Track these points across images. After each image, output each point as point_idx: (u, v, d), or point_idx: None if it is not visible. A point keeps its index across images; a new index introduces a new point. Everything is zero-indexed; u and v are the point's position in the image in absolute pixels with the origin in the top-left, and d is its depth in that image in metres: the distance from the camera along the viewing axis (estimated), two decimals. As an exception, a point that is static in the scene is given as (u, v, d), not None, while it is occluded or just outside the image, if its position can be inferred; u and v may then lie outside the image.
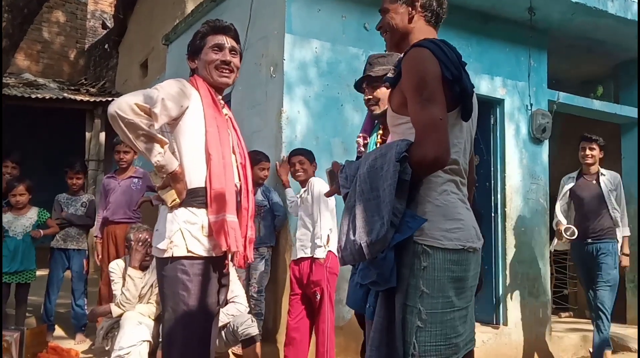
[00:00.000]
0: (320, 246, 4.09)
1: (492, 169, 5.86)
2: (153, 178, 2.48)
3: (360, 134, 3.21)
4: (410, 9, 2.02)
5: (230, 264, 4.27)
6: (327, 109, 4.87)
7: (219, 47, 2.53)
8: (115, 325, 4.05)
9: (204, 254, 2.36)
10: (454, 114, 1.89)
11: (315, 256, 4.10)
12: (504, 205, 5.76)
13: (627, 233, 5.37)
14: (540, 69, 6.12)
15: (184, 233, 2.34)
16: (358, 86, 3.25)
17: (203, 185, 2.39)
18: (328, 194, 2.20)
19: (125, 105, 2.22)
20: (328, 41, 4.95)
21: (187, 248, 2.33)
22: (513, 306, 5.66)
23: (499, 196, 5.80)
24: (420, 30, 2.02)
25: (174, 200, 2.36)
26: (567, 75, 7.10)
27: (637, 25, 6.10)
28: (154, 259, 2.57)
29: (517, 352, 5.52)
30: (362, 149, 3.13)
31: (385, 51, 2.19)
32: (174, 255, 2.33)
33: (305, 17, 4.88)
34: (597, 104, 6.72)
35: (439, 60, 1.82)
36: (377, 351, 1.82)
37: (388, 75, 2.03)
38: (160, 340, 3.72)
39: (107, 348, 4.06)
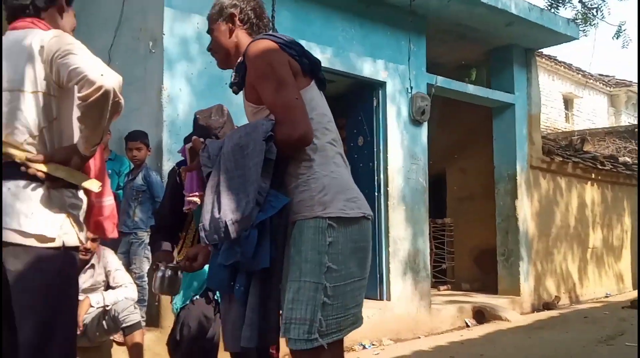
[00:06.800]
0: None
1: (375, 150, 6.03)
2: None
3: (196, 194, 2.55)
4: (230, 25, 2.08)
5: (112, 252, 4.04)
6: (211, 87, 4.73)
7: None
8: None
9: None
10: (313, 87, 1.96)
11: None
12: (386, 185, 5.93)
13: None
14: (420, 53, 6.33)
15: (71, 218, 1.96)
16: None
17: None
18: (187, 170, 2.17)
19: (119, 83, 1.85)
20: (211, 17, 4.79)
21: (77, 237, 1.98)
22: (396, 282, 5.86)
23: (381, 176, 5.96)
24: (242, 43, 2.07)
25: (101, 184, 2.04)
26: (443, 59, 7.41)
27: (507, 15, 6.50)
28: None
29: (400, 326, 5.72)
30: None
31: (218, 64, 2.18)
32: (66, 245, 1.93)
33: (186, -9, 4.69)
34: (471, 88, 7.09)
35: (279, 44, 1.91)
36: (250, 328, 1.81)
37: (232, 80, 2.06)
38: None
39: None
